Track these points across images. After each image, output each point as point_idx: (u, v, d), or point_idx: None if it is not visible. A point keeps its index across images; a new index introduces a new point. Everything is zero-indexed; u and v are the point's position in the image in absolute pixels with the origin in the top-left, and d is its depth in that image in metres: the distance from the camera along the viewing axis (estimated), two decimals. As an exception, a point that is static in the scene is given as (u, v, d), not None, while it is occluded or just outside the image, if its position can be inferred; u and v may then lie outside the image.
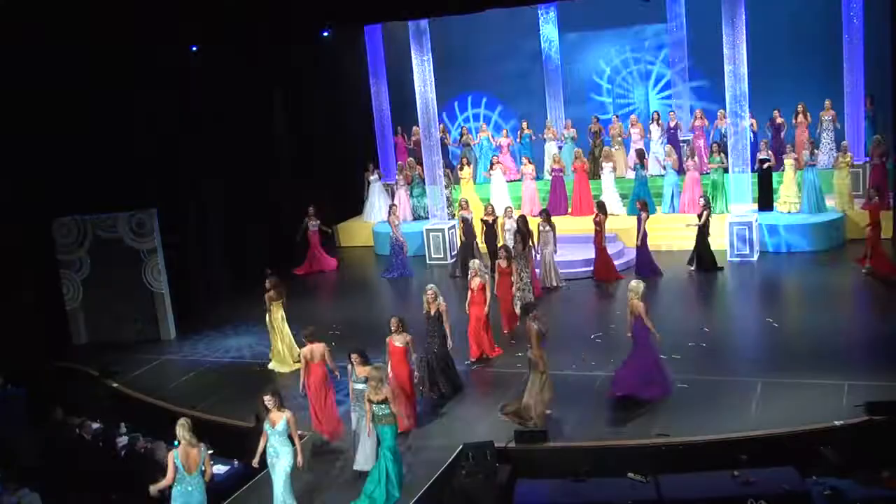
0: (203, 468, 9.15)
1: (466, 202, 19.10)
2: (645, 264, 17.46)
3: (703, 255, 17.53)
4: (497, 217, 18.11)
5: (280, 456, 9.72)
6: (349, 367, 10.76)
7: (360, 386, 10.46)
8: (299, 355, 12.06)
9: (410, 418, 11.48)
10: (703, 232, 17.44)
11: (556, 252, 17.27)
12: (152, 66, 16.79)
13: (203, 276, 18.62)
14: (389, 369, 11.31)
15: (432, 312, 12.44)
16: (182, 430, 9.15)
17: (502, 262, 14.89)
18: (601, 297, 16.96)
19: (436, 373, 12.38)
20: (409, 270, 19.34)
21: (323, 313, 17.04)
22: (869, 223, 16.33)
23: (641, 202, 17.76)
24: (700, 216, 17.43)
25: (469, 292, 13.81)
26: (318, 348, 11.57)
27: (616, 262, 17.86)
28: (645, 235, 17.40)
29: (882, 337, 13.31)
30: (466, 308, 13.83)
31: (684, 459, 10.27)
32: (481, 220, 18.23)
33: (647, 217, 17.48)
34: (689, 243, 17.89)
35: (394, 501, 9.80)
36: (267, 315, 14.36)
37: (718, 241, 18.11)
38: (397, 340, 11.43)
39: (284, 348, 14.36)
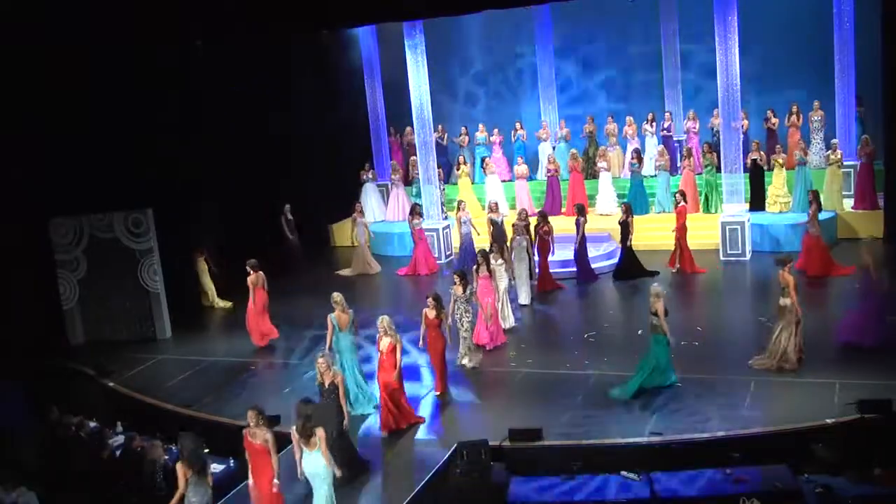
0: (352, 327, 12.45)
1: (497, 205, 18.19)
2: (584, 270, 17.44)
3: (629, 264, 17.38)
4: (529, 221, 17.18)
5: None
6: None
7: (195, 499, 8.95)
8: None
9: None
10: (625, 237, 17.33)
11: (511, 287, 15.63)
12: (152, 66, 16.80)
13: (198, 275, 18.61)
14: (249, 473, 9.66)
15: (326, 384, 10.69)
16: (338, 300, 12.48)
17: (430, 312, 12.46)
18: (596, 297, 17.03)
19: None
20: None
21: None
22: (677, 225, 17.22)
23: (578, 207, 17.66)
24: (623, 223, 17.29)
25: (378, 354, 11.84)
26: (261, 276, 15.14)
27: (612, 262, 17.93)
28: (584, 239, 17.35)
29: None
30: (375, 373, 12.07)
31: (677, 457, 10.35)
32: (513, 225, 17.02)
33: (585, 221, 17.36)
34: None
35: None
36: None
37: (712, 240, 18.26)
38: (256, 437, 9.40)
39: (207, 289, 18.30)
